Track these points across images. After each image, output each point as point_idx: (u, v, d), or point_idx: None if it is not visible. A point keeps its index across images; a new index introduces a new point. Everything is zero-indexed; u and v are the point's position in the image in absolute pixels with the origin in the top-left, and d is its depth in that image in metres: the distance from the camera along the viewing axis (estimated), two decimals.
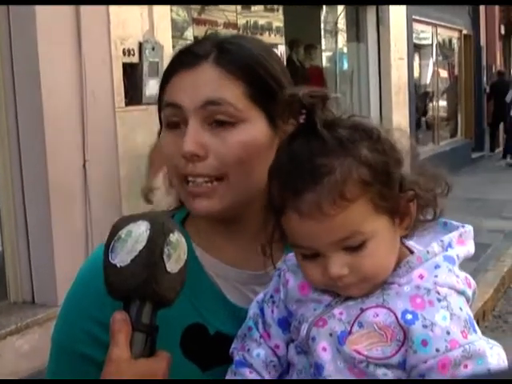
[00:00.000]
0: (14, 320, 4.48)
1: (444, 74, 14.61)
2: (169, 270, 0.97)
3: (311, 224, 0.97)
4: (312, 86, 1.04)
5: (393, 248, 1.03)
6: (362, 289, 1.01)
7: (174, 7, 6.34)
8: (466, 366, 0.95)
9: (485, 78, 16.21)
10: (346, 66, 10.79)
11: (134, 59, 5.50)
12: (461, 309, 0.98)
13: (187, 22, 6.82)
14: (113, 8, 5.20)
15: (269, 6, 8.12)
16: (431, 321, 0.96)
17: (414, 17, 11.68)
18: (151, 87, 5.41)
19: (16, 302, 4.79)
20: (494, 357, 0.96)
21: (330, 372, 1.00)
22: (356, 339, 0.99)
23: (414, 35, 12.12)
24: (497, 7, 17.11)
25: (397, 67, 10.86)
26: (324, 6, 10.09)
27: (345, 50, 10.81)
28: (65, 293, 1.19)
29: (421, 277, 1.00)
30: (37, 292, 4.79)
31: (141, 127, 5.19)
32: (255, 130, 1.11)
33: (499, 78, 16.05)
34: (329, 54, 10.55)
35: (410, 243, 1.08)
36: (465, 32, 14.91)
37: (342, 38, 10.66)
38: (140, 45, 5.53)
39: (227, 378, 1.10)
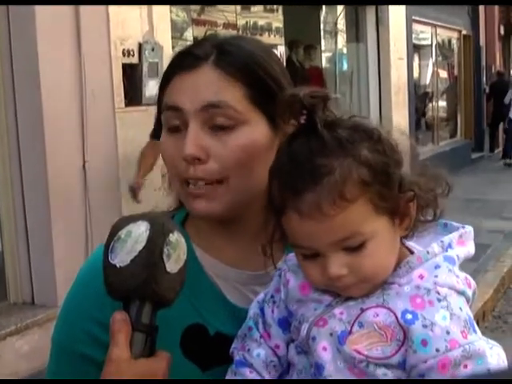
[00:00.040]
0: (13, 321, 4.47)
1: (443, 74, 14.61)
2: (168, 270, 0.97)
3: (311, 224, 0.97)
4: (312, 87, 1.04)
5: (393, 248, 1.03)
6: (362, 289, 1.01)
7: (174, 8, 6.34)
8: (465, 366, 0.95)
9: (484, 79, 16.22)
10: (345, 66, 10.80)
11: (134, 60, 5.50)
12: (461, 309, 0.98)
13: (187, 22, 6.82)
14: (112, 8, 5.20)
15: (268, 7, 8.11)
16: (431, 321, 0.96)
17: (413, 17, 11.68)
18: (151, 88, 5.41)
19: (16, 303, 4.78)
20: (494, 357, 0.97)
21: (330, 372, 1.00)
22: (356, 339, 0.99)
23: (414, 35, 12.12)
24: (496, 7, 17.10)
25: (396, 67, 10.86)
26: (323, 7, 10.09)
27: (344, 50, 10.82)
28: (64, 293, 1.19)
29: (421, 277, 1.00)
30: (36, 293, 4.78)
31: (140, 128, 5.18)
32: (255, 132, 1.11)
33: (499, 79, 16.06)
34: (328, 54, 10.56)
35: (410, 244, 1.08)
36: (464, 32, 14.92)
37: (341, 39, 10.67)
38: (140, 45, 5.53)
39: (227, 377, 1.10)
